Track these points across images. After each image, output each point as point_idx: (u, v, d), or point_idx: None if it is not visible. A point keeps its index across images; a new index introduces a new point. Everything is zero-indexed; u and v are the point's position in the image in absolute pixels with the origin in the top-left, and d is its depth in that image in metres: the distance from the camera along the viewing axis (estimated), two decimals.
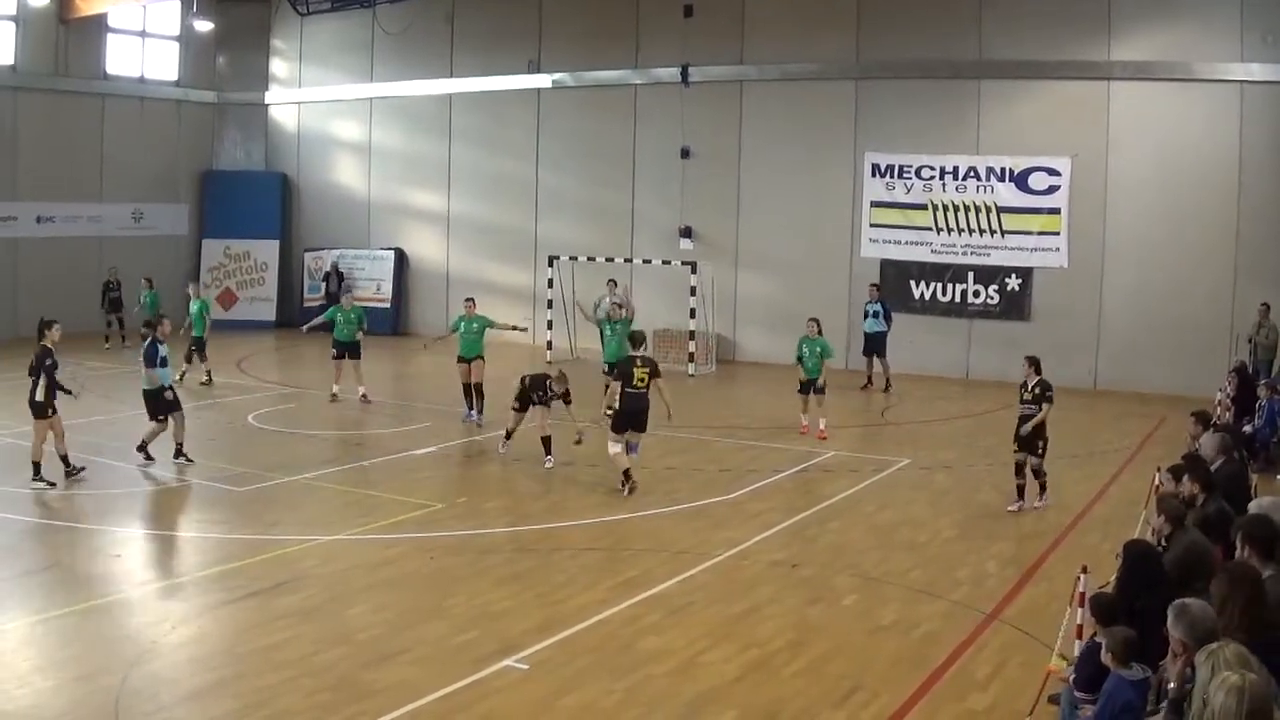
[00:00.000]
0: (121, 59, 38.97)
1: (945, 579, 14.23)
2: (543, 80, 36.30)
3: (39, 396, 17.96)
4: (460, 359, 24.34)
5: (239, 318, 40.09)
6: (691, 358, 31.34)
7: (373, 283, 39.33)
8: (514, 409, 20.60)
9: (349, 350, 26.36)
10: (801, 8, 32.24)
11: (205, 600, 13.23)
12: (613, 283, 31.21)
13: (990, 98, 30.13)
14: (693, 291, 31.61)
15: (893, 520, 17.11)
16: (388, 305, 38.81)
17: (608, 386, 20.17)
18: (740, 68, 33.09)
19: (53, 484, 17.88)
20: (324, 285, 39.41)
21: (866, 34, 31.35)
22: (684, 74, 33.53)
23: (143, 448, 19.61)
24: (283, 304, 40.77)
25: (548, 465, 19.99)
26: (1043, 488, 17.62)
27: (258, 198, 41.22)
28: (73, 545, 15.34)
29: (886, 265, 31.32)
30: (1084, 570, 10.49)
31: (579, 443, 19.73)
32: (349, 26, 38.92)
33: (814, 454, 21.37)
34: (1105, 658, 8.19)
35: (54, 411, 18.13)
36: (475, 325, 24.40)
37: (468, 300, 25.60)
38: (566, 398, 19.99)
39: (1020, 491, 17.48)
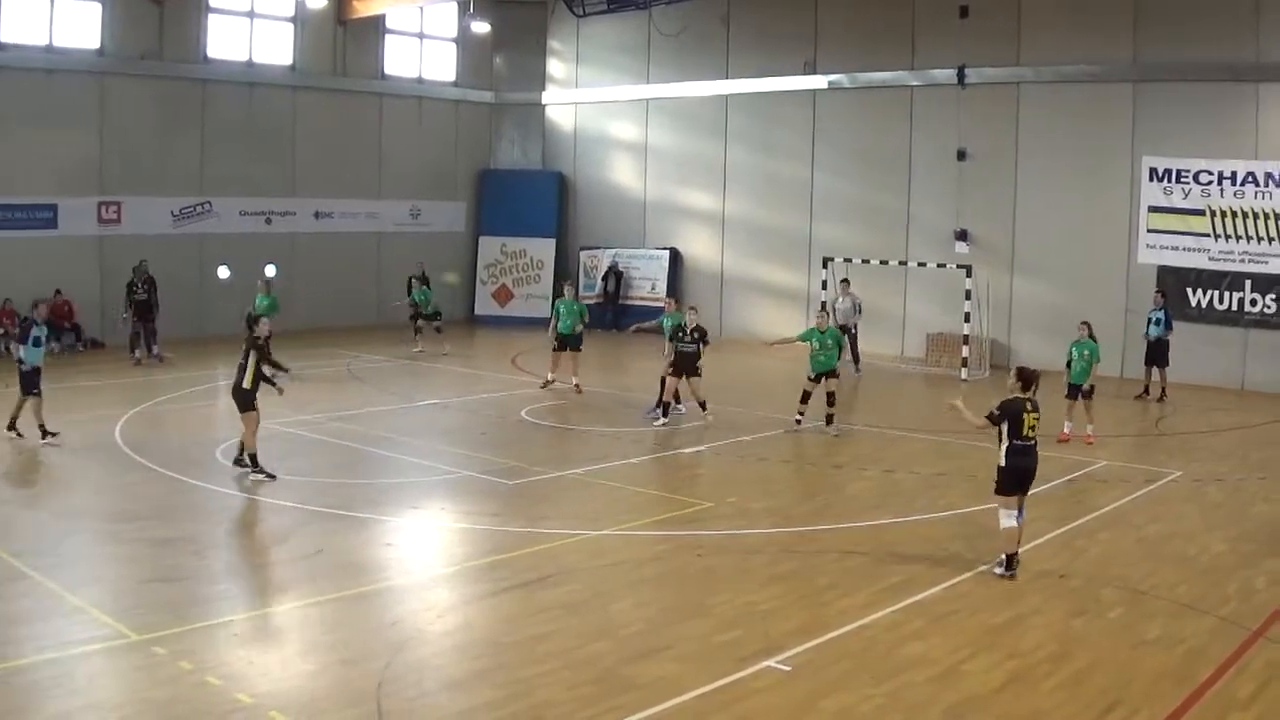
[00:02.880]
0: (399, 60, 40.57)
1: (1213, 594, 14.03)
2: (819, 81, 36.47)
3: (245, 384, 18.37)
4: None
5: (515, 314, 41.39)
6: (965, 362, 31.13)
7: (647, 281, 40.09)
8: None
9: (569, 342, 27.23)
10: (1078, 9, 31.66)
11: (471, 590, 13.82)
12: (845, 283, 31.49)
13: (1269, 101, 29.09)
14: (967, 295, 31.32)
15: (1163, 533, 16.89)
16: (662, 305, 39.07)
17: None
18: (1017, 69, 32.66)
19: (273, 476, 18.23)
20: (602, 284, 40.27)
21: (1143, 36, 30.60)
22: (960, 75, 33.35)
23: (43, 430, 20.55)
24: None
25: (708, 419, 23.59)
26: None
27: (534, 196, 42.39)
28: (343, 532, 15.92)
29: (1164, 272, 30.57)
30: None
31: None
32: (625, 28, 39.72)
33: (1085, 463, 21.12)
34: None
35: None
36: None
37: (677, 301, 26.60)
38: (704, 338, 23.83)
39: None
